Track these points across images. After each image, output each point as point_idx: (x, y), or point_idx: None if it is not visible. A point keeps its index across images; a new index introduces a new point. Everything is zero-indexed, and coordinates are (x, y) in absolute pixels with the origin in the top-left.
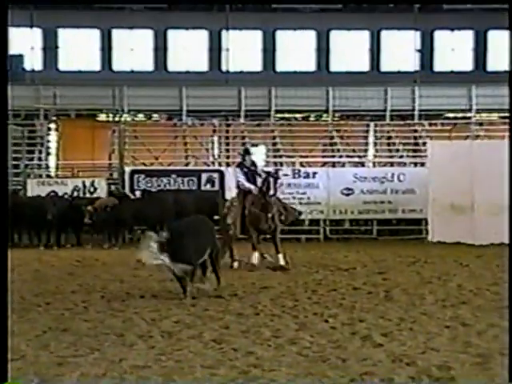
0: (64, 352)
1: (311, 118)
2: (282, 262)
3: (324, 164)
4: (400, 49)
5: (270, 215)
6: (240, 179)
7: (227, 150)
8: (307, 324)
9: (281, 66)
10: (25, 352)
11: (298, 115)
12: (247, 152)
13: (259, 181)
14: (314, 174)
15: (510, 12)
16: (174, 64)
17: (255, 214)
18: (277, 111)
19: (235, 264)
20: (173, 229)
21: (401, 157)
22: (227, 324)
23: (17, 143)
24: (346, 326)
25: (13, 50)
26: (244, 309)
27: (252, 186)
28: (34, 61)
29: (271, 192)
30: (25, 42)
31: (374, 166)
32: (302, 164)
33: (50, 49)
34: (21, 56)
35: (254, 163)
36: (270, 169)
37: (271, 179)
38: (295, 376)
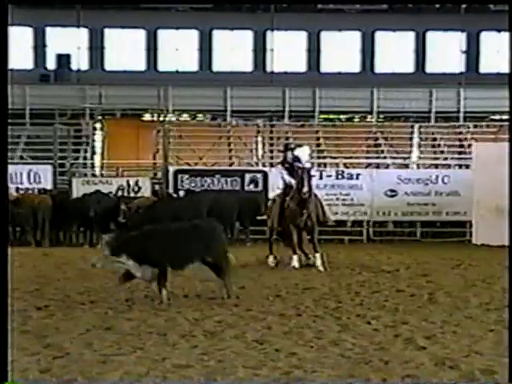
0: (107, 350)
1: (355, 119)
2: (318, 263)
3: (368, 165)
4: (445, 50)
5: (305, 211)
6: (283, 174)
7: (271, 151)
8: (350, 325)
9: (325, 67)
10: (69, 350)
11: (342, 116)
12: (287, 148)
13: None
14: (358, 175)
15: (510, 12)
16: (219, 64)
17: (292, 208)
18: (321, 112)
19: (270, 259)
20: (145, 230)
21: (445, 159)
22: (270, 324)
23: (63, 142)
24: (389, 328)
25: (60, 49)
26: (286, 309)
27: (292, 180)
28: (80, 60)
29: (305, 189)
30: (71, 42)
31: (418, 167)
32: (345, 165)
33: (97, 49)
34: (67, 56)
35: (297, 158)
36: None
37: (305, 176)
38: (337, 377)
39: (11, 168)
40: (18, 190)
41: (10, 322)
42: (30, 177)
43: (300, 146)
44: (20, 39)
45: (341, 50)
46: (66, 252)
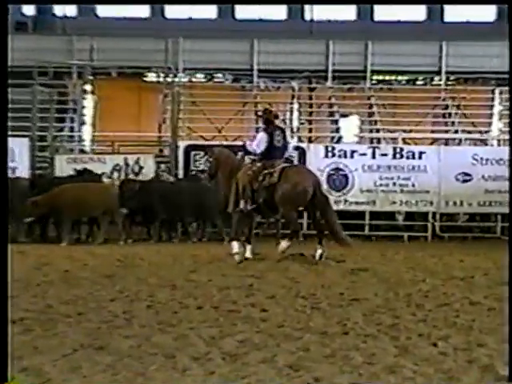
0: (99, 376)
1: (419, 82)
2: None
3: (434, 141)
4: None
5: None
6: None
7: (310, 122)
8: (410, 348)
9: (380, 14)
10: (50, 375)
11: (401, 77)
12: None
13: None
14: (421, 153)
15: (510, 12)
16: (244, 10)
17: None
18: (374, 72)
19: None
20: None
21: None
22: (307, 345)
23: (43, 109)
24: (461, 351)
25: None
26: (329, 326)
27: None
28: (66, 5)
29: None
30: None
31: (500, 144)
32: (405, 141)
33: None
34: None
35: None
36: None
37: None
38: None
39: None
40: None
41: None
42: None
43: (346, 115)
44: None
45: None
46: (47, 249)
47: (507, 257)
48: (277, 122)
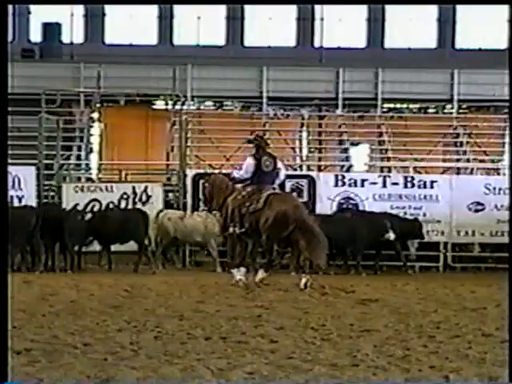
0: None
1: (430, 110)
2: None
3: (446, 170)
4: None
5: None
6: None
7: (319, 150)
8: (422, 380)
9: (390, 42)
10: None
11: (412, 105)
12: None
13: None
14: (433, 182)
15: (510, 12)
16: (253, 37)
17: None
18: (385, 100)
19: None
20: None
21: None
22: (317, 377)
23: (50, 137)
24: None
25: (47, 17)
26: (339, 358)
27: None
28: (73, 32)
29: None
30: (62, 8)
31: None
32: (416, 170)
33: (95, 16)
34: (58, 25)
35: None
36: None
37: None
38: None
39: None
40: None
41: None
42: (8, 181)
43: (357, 144)
44: None
45: (411, 20)
46: (53, 279)
47: None
48: (268, 149)
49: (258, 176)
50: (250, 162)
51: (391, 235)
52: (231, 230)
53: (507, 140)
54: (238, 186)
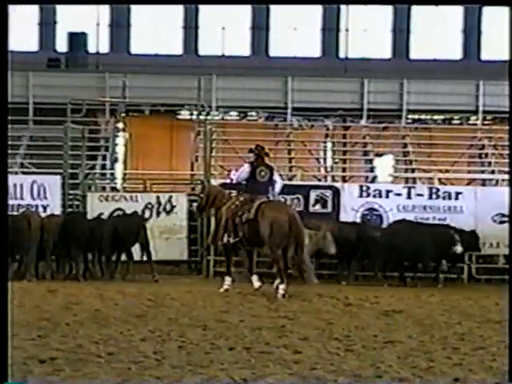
0: None
1: (455, 121)
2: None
3: (470, 181)
4: None
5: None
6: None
7: (344, 161)
8: None
9: (416, 53)
10: None
11: (436, 117)
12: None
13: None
14: (458, 194)
15: (510, 12)
16: (278, 48)
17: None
18: (410, 111)
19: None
20: None
21: None
22: None
23: (75, 146)
24: None
25: (73, 27)
26: (362, 369)
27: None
28: (99, 41)
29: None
30: (88, 18)
31: None
32: (441, 181)
33: (120, 26)
34: (83, 35)
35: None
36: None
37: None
38: None
39: (8, 179)
40: (17, 207)
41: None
42: (33, 190)
43: (381, 154)
44: (23, 14)
45: (437, 31)
46: (77, 288)
47: None
48: (267, 159)
49: (252, 185)
50: (245, 169)
51: (459, 248)
52: (225, 239)
53: None
54: (232, 194)
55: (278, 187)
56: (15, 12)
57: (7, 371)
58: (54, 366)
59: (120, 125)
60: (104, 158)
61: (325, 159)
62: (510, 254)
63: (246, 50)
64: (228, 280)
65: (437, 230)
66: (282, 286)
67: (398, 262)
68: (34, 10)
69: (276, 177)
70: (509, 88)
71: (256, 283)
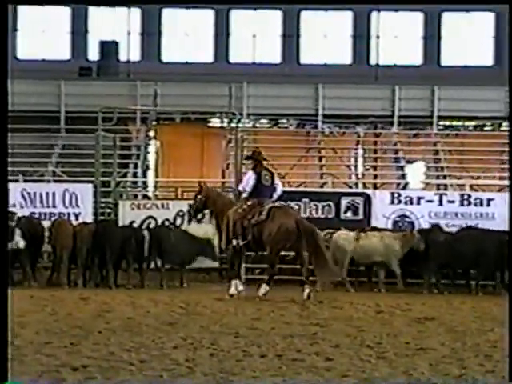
0: None
1: (486, 128)
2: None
3: (502, 188)
4: None
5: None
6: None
7: (375, 168)
8: None
9: (447, 59)
10: None
11: (468, 123)
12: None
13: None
14: (490, 200)
15: (510, 12)
16: (308, 55)
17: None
18: (441, 117)
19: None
20: None
21: None
22: None
23: (107, 154)
24: None
25: (104, 35)
26: (395, 376)
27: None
28: (130, 50)
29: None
30: (119, 26)
31: None
32: (472, 187)
33: (151, 34)
34: (114, 43)
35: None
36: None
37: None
38: None
39: (41, 187)
40: (50, 215)
41: None
42: (65, 198)
43: (412, 161)
44: (55, 22)
45: (469, 37)
46: (109, 296)
47: None
48: (265, 163)
49: (258, 189)
50: (251, 176)
51: None
52: (234, 242)
53: None
54: (230, 197)
55: (279, 190)
56: (47, 21)
57: (7, 371)
58: (87, 374)
59: (151, 133)
60: (135, 166)
61: (356, 166)
62: (509, 255)
63: (276, 58)
64: (234, 284)
65: (500, 238)
66: (262, 288)
67: (462, 268)
68: (65, 18)
69: (277, 180)
70: (509, 93)
71: (240, 287)
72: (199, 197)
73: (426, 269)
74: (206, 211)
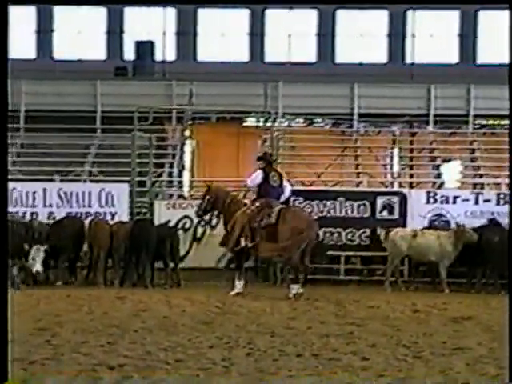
0: None
1: None
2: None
3: None
4: None
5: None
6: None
7: (411, 167)
8: None
9: (483, 57)
10: None
11: (504, 122)
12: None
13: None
14: None
15: (510, 12)
16: (344, 54)
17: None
18: (477, 116)
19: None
20: None
21: None
22: None
23: (143, 154)
24: None
25: (140, 35)
26: (431, 375)
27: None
28: (166, 49)
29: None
30: (155, 26)
31: None
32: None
33: (187, 34)
34: (150, 43)
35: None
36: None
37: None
38: None
39: (77, 186)
40: (86, 215)
41: None
42: (101, 198)
43: (448, 160)
44: (91, 23)
45: (503, 35)
46: (145, 295)
47: None
48: (274, 165)
49: (266, 190)
50: (258, 174)
51: None
52: (243, 243)
53: None
54: (239, 197)
55: (287, 192)
56: (83, 21)
57: (7, 371)
58: (123, 373)
59: (187, 132)
60: (171, 165)
61: (391, 165)
62: (509, 256)
63: (312, 57)
64: (239, 284)
65: None
66: (296, 286)
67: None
68: (101, 18)
69: (285, 182)
70: (509, 91)
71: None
72: (207, 197)
73: (479, 268)
74: (215, 212)
